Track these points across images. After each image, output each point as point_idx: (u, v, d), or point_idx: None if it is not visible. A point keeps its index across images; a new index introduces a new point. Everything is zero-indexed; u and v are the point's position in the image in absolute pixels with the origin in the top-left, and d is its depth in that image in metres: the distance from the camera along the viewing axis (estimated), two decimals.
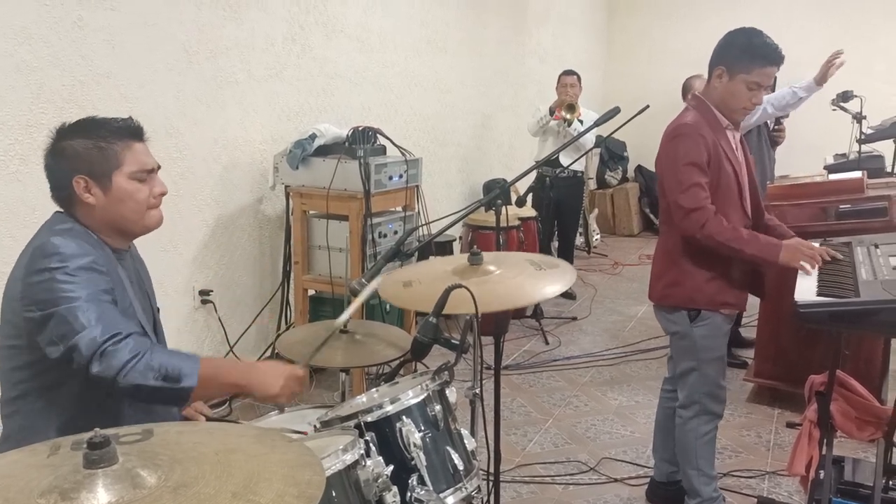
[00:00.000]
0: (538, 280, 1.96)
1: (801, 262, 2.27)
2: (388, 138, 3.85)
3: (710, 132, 2.38)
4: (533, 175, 5.27)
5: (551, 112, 5.39)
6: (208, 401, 2.01)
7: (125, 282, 1.72)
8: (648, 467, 3.06)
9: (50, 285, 1.54)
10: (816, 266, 2.27)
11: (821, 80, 4.01)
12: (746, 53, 2.35)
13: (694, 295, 2.46)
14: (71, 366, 1.54)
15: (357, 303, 1.95)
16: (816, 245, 2.39)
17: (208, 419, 1.98)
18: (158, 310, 1.94)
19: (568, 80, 5.53)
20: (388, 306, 3.88)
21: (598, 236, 7.69)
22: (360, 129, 3.74)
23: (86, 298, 1.54)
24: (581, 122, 5.32)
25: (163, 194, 1.77)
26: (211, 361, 1.66)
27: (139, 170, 1.70)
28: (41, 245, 1.60)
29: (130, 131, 1.72)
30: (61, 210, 1.73)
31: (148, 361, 1.52)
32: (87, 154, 1.66)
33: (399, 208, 3.96)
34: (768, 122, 4.45)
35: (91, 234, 1.68)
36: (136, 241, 1.93)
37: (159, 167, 1.78)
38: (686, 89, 5.11)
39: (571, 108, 5.33)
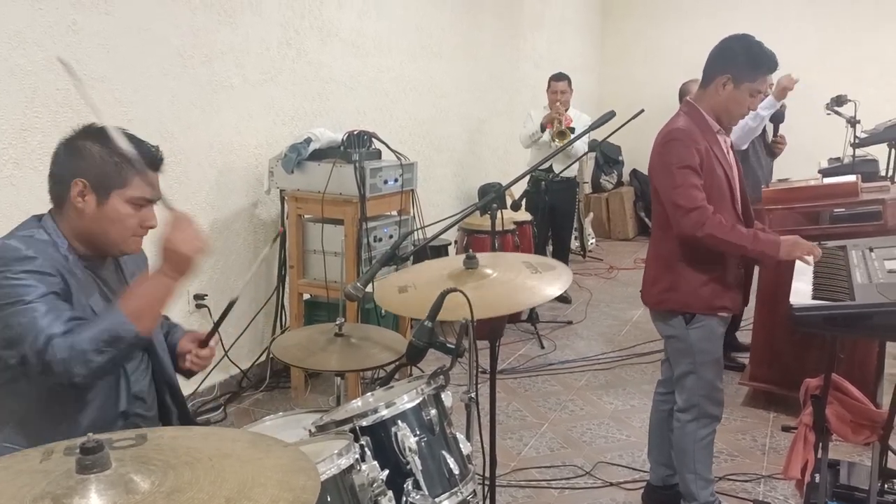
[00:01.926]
0: (534, 283, 1.96)
1: (802, 255, 2.30)
2: (383, 142, 3.85)
3: (701, 137, 2.41)
4: (527, 179, 5.30)
5: (542, 128, 5.38)
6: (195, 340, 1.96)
7: (88, 288, 1.68)
8: (644, 471, 3.06)
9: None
10: (812, 266, 2.29)
11: (779, 96, 4.10)
12: (752, 63, 2.39)
13: (689, 300, 2.47)
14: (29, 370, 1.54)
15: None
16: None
17: (203, 342, 1.92)
18: None
19: (558, 85, 5.46)
20: (383, 310, 3.87)
21: (594, 240, 7.70)
22: (356, 133, 3.75)
23: (35, 299, 1.52)
24: (573, 130, 5.32)
25: (151, 227, 1.73)
26: (129, 297, 1.62)
27: (140, 197, 1.69)
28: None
29: (150, 159, 1.70)
30: (37, 214, 1.72)
31: (80, 348, 1.50)
32: (102, 162, 1.65)
33: (394, 212, 3.96)
34: (764, 130, 4.47)
35: (58, 241, 1.66)
36: None
37: (160, 198, 1.74)
38: (683, 93, 5.13)
39: (562, 135, 5.30)
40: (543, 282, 1.96)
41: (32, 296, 1.53)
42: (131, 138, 1.70)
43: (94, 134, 1.69)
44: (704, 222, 2.31)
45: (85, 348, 1.50)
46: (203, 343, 1.92)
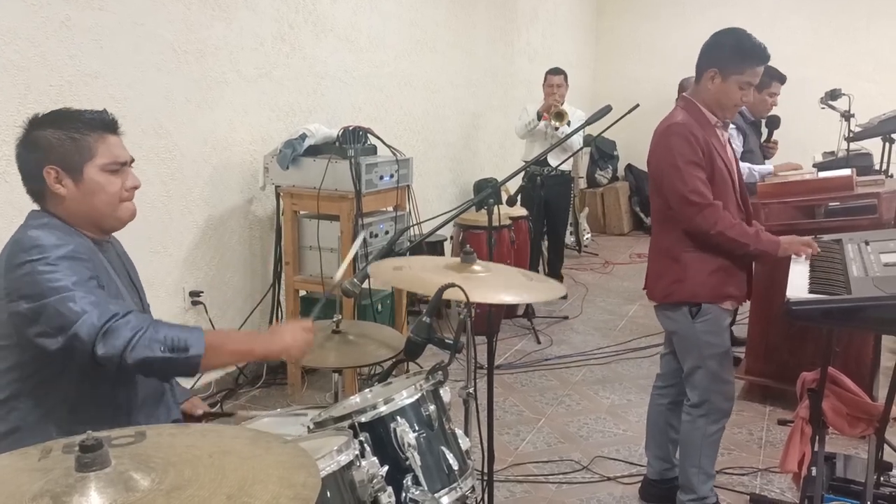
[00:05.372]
0: (528, 286, 1.98)
1: (798, 251, 2.40)
2: (378, 138, 3.84)
3: (700, 130, 2.43)
4: (522, 174, 5.31)
5: (539, 116, 5.38)
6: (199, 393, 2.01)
7: (109, 270, 1.70)
8: (641, 465, 3.07)
9: (34, 277, 1.52)
10: (808, 262, 2.32)
11: None
12: (738, 54, 2.40)
13: (697, 290, 2.49)
14: (70, 357, 1.53)
15: (349, 258, 1.97)
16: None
17: (206, 413, 1.97)
18: (149, 306, 1.92)
19: (555, 79, 5.50)
20: (379, 306, 3.87)
21: (589, 235, 7.70)
22: (351, 128, 3.73)
23: (74, 286, 1.52)
24: (569, 124, 5.32)
25: (135, 188, 1.74)
26: (216, 332, 1.67)
27: (112, 162, 1.68)
28: (18, 239, 1.59)
29: (104, 124, 1.70)
30: (37, 209, 1.72)
31: (152, 334, 1.52)
32: (60, 145, 1.64)
33: (390, 208, 3.95)
34: (761, 131, 4.50)
35: (68, 225, 1.67)
36: (125, 243, 1.92)
37: (132, 160, 1.76)
38: (682, 89, 5.13)
39: (560, 116, 5.32)
40: (536, 288, 1.99)
41: (74, 281, 1.53)
42: (75, 111, 1.70)
43: (41, 121, 1.68)
44: (717, 220, 2.38)
45: (156, 337, 1.52)
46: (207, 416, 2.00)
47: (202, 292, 3.61)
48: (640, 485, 2.95)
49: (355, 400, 1.90)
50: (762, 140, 4.55)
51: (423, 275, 1.77)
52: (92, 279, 1.58)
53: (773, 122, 4.51)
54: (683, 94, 2.59)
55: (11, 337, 1.59)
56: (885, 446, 2.51)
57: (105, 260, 1.72)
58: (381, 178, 3.75)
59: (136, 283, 1.87)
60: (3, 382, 1.64)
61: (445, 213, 2.30)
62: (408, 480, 1.65)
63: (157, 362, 1.52)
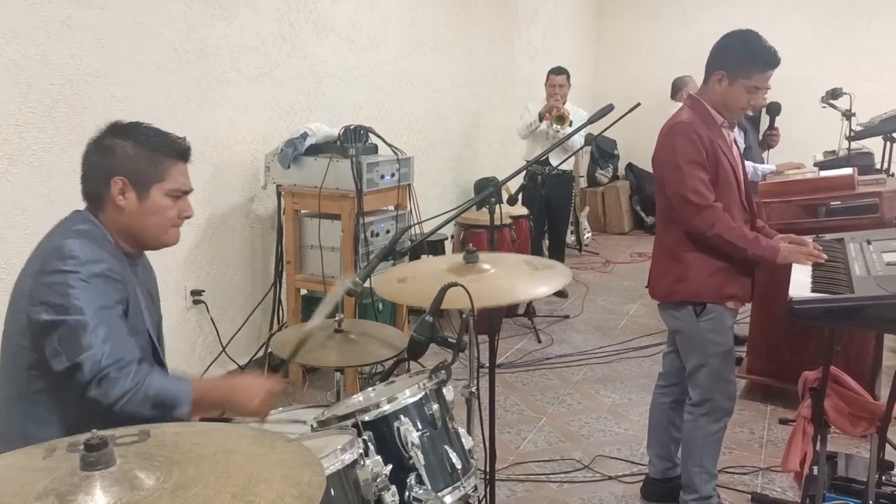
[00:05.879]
0: (533, 278, 1.97)
1: (801, 262, 2.34)
2: (379, 137, 3.83)
3: (705, 129, 2.42)
4: (524, 173, 5.31)
5: (540, 117, 5.38)
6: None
7: (137, 288, 1.72)
8: (643, 464, 3.07)
9: (62, 289, 1.53)
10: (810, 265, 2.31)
11: None
12: (746, 59, 2.39)
13: (699, 289, 2.48)
14: (67, 382, 1.54)
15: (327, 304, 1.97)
16: (809, 240, 2.44)
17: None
18: (161, 317, 1.93)
19: (557, 79, 5.49)
20: (380, 305, 3.87)
21: (590, 234, 7.69)
22: (352, 127, 3.73)
23: (95, 312, 1.53)
24: (571, 125, 5.32)
25: (188, 217, 1.80)
26: (200, 384, 1.67)
27: (178, 189, 1.74)
28: (59, 246, 1.59)
29: (181, 151, 1.76)
30: (80, 209, 1.72)
31: (146, 392, 1.53)
32: (136, 159, 1.68)
33: (391, 207, 3.95)
34: (760, 123, 4.51)
35: (108, 237, 1.69)
36: None
37: (191, 191, 1.80)
38: (675, 88, 5.14)
39: (562, 119, 5.32)
40: (542, 278, 1.97)
41: (99, 306, 1.54)
42: (157, 131, 1.75)
43: (122, 131, 1.71)
44: (715, 222, 2.37)
45: (148, 395, 1.54)
46: None
47: (203, 291, 3.60)
48: (641, 484, 2.95)
49: (359, 399, 1.90)
50: (765, 129, 4.54)
51: (428, 285, 1.75)
52: (119, 304, 1.59)
53: (774, 109, 4.50)
54: (691, 93, 2.58)
55: (27, 338, 1.60)
56: (887, 445, 2.52)
57: (134, 277, 1.74)
58: (382, 177, 3.75)
59: (154, 296, 1.90)
60: (16, 380, 1.64)
61: (446, 212, 2.30)
62: (411, 479, 1.65)
63: (142, 418, 1.53)
